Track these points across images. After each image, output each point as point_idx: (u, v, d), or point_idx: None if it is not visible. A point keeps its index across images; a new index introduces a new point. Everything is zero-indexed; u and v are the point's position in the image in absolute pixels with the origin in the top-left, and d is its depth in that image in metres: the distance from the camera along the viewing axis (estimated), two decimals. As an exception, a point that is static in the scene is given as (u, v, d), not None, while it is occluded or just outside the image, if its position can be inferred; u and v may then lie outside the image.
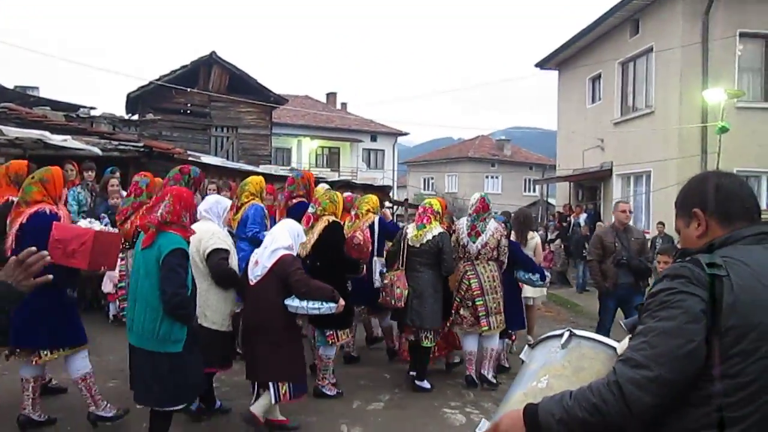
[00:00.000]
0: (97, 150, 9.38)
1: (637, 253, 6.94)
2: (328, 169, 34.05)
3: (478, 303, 5.93)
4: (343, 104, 43.42)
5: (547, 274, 7.18)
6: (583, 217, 16.10)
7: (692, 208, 1.77)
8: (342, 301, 4.51)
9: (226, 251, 4.48)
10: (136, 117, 20.06)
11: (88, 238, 4.03)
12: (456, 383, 6.17)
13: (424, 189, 43.21)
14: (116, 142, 10.39)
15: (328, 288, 4.46)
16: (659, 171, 14.19)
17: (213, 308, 4.48)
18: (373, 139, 39.82)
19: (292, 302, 4.39)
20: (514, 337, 6.98)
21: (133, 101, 21.11)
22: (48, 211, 4.23)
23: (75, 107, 16.53)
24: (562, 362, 1.95)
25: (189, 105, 21.04)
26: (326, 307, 4.43)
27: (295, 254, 4.61)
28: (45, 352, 4.29)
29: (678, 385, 1.53)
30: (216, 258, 4.39)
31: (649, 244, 13.65)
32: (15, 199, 4.44)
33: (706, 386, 1.53)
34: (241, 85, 21.45)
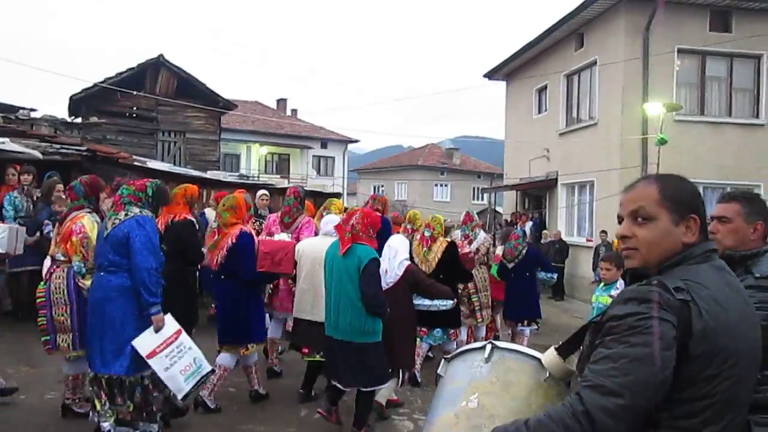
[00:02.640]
0: (37, 153, 9.08)
1: None
2: (278, 176, 33.74)
3: (473, 299, 7.20)
4: (294, 111, 43.20)
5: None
6: (528, 225, 16.44)
7: (691, 212, 1.68)
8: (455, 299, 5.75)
9: None
10: (79, 120, 19.52)
11: (290, 249, 5.30)
12: (404, 390, 6.20)
13: (374, 196, 43.29)
14: (58, 146, 10.08)
15: (449, 289, 5.64)
16: (602, 180, 14.60)
17: (322, 306, 5.05)
18: (324, 146, 39.71)
19: (423, 301, 5.49)
20: (538, 326, 8.18)
21: (77, 103, 20.52)
22: (247, 231, 5.23)
23: (14, 108, 15.95)
24: (490, 378, 1.87)
25: (135, 108, 20.59)
26: (450, 304, 5.64)
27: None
28: (252, 345, 5.31)
29: (646, 411, 1.50)
30: None
31: (592, 252, 14.11)
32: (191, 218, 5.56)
33: (671, 408, 1.54)
34: (189, 89, 21.11)
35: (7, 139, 9.09)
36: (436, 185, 43.80)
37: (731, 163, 13.91)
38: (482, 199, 40.47)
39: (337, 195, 19.15)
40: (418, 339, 6.22)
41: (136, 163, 11.52)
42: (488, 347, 1.95)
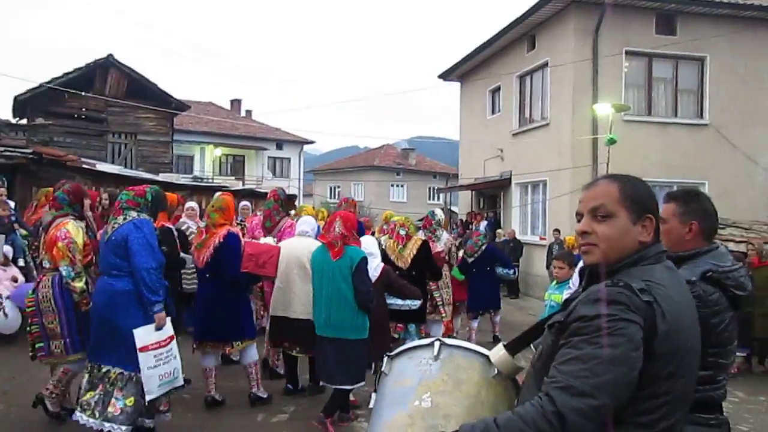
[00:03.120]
0: (-21, 156, 8.80)
1: None
2: (233, 178, 33.36)
3: (435, 295, 7.49)
4: (248, 112, 42.75)
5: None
6: (483, 224, 16.62)
7: (647, 212, 1.73)
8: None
9: None
10: (24, 121, 18.92)
11: (275, 253, 5.47)
12: (362, 391, 6.18)
13: (331, 198, 43.19)
14: (1, 148, 9.77)
15: (418, 290, 5.98)
16: (554, 180, 14.86)
17: (304, 303, 5.41)
18: (279, 147, 39.43)
19: (396, 301, 5.78)
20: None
21: (22, 104, 19.85)
22: (235, 232, 5.39)
23: (-45, 110, 15.39)
24: (441, 376, 1.85)
25: (84, 110, 20.02)
26: (418, 303, 6.02)
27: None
28: (237, 343, 5.41)
29: (614, 410, 1.53)
30: None
31: (546, 250, 14.35)
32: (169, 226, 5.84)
33: (634, 405, 1.57)
34: (140, 89, 20.65)
35: (-54, 142, 8.77)
36: (392, 186, 43.89)
37: (677, 162, 14.33)
38: (438, 199, 40.72)
39: (293, 197, 19.04)
40: (396, 336, 6.67)
41: (84, 166, 11.24)
42: (437, 344, 1.93)
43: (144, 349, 4.33)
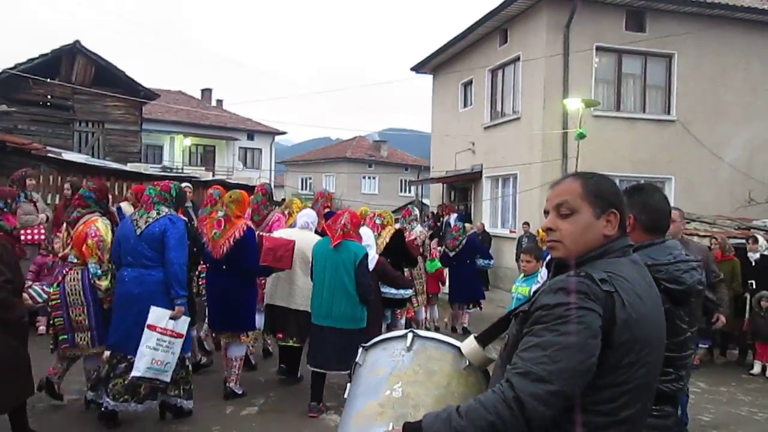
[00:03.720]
0: (-60, 143, 8.55)
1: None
2: (203, 168, 32.97)
3: None
4: (219, 101, 42.29)
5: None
6: (453, 216, 16.69)
7: (611, 207, 1.77)
8: None
9: None
10: (-13, 108, 18.41)
11: (291, 246, 5.51)
12: (330, 384, 6.20)
13: (302, 189, 43.01)
14: (-37, 136, 9.52)
15: (410, 280, 6.73)
16: (525, 173, 14.99)
17: (305, 296, 5.63)
18: (250, 137, 39.09)
19: (390, 290, 6.17)
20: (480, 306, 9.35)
21: (-17, 91, 19.37)
22: (251, 226, 5.61)
23: None
24: (413, 367, 1.89)
25: (49, 97, 19.55)
26: (410, 292, 6.69)
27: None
28: (249, 333, 5.61)
29: (573, 396, 1.56)
30: None
31: (515, 243, 14.48)
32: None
33: (593, 393, 1.60)
34: (108, 77, 20.24)
35: None
36: (363, 177, 43.83)
37: (645, 157, 14.56)
38: (410, 191, 40.82)
39: (252, 188, 18.85)
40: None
41: (50, 155, 10.99)
42: (410, 336, 1.97)
43: (152, 327, 4.48)
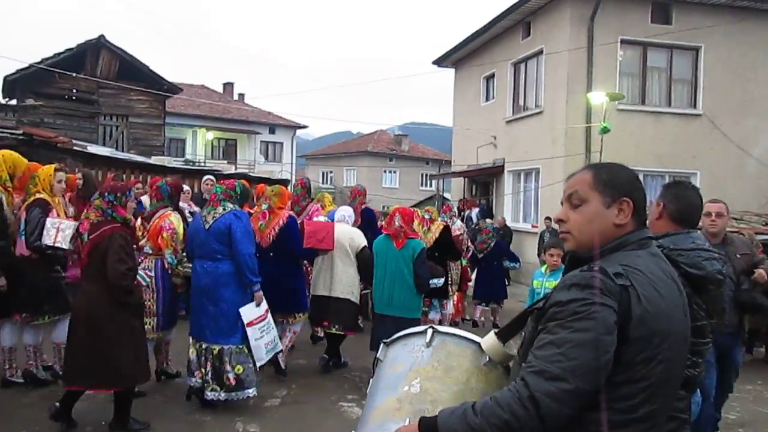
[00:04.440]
0: (-31, 137, 8.70)
1: (745, 277, 4.68)
2: (225, 161, 33.17)
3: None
4: (241, 95, 42.44)
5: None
6: (475, 211, 16.63)
7: (623, 195, 1.73)
8: None
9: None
10: (14, 102, 18.72)
11: (330, 228, 6.07)
12: (353, 377, 6.23)
13: (323, 183, 43.12)
14: (-8, 129, 9.67)
15: (441, 269, 7.02)
16: (547, 168, 14.87)
17: (344, 284, 6.14)
18: (272, 131, 39.23)
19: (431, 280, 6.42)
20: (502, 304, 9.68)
21: (11, 85, 19.65)
22: (294, 215, 6.13)
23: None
24: (431, 362, 1.88)
25: (75, 91, 19.83)
26: (441, 281, 7.02)
27: None
28: (299, 314, 6.08)
29: (590, 394, 1.54)
30: (366, 252, 6.18)
31: (537, 238, 14.38)
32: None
33: (610, 390, 1.57)
34: (132, 71, 20.47)
35: (-65, 122, 8.66)
36: (384, 171, 43.82)
37: (670, 151, 14.38)
38: (430, 185, 40.75)
39: (286, 181, 18.99)
40: (426, 309, 7.33)
41: (75, 148, 11.14)
42: (429, 331, 1.96)
43: (250, 324, 4.98)
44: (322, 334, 7.01)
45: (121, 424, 4.44)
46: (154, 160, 13.99)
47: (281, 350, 5.47)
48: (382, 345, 2.10)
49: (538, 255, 13.75)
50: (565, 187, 1.85)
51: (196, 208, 7.07)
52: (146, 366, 4.57)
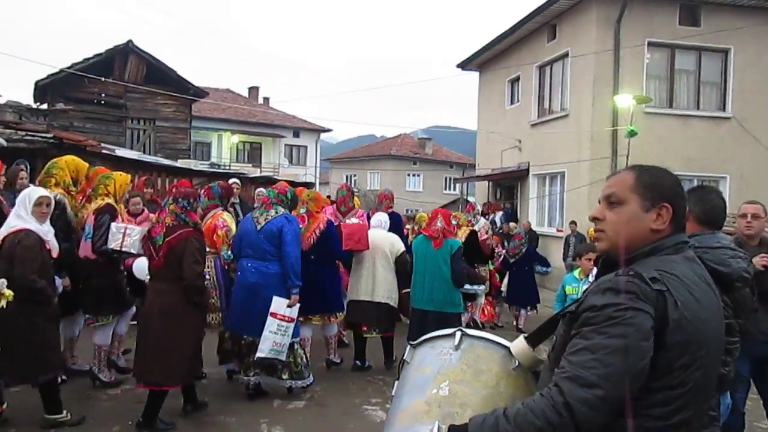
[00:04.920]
0: (1, 140, 8.87)
1: None
2: (250, 165, 33.49)
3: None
4: (266, 99, 42.79)
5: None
6: (499, 215, 16.52)
7: (663, 201, 1.70)
8: None
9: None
10: (45, 106, 19.05)
11: (365, 229, 6.38)
12: (376, 380, 6.22)
13: (347, 186, 43.12)
14: (23, 133, 9.84)
15: (483, 276, 7.80)
16: (572, 172, 14.74)
17: (385, 289, 6.39)
18: (296, 135, 39.45)
19: (469, 286, 7.11)
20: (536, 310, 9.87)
21: (42, 89, 20.01)
22: (332, 219, 6.40)
23: (-24, 94, 15.53)
24: (460, 366, 1.87)
25: (103, 95, 20.16)
26: (483, 288, 7.92)
27: None
28: (339, 313, 6.34)
29: (624, 401, 1.51)
30: (405, 256, 6.52)
31: (562, 242, 14.25)
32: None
33: (646, 397, 1.55)
34: (159, 76, 20.74)
35: (-30, 126, 8.85)
36: (408, 175, 43.77)
37: (698, 155, 14.16)
38: (454, 189, 40.62)
39: (310, 185, 19.07)
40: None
41: (104, 151, 11.30)
42: (458, 334, 1.94)
43: (274, 315, 5.11)
44: (347, 340, 7.19)
45: (147, 423, 4.53)
46: (180, 163, 14.15)
47: (282, 361, 5.28)
48: (408, 347, 2.09)
49: (564, 259, 13.64)
50: (604, 185, 1.83)
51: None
52: (200, 363, 4.94)
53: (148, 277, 4.84)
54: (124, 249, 5.16)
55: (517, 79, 18.21)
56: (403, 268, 6.48)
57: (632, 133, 12.42)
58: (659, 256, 1.66)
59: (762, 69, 14.54)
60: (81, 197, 5.52)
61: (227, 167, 27.35)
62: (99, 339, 5.43)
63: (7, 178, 7.33)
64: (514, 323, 9.71)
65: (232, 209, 7.72)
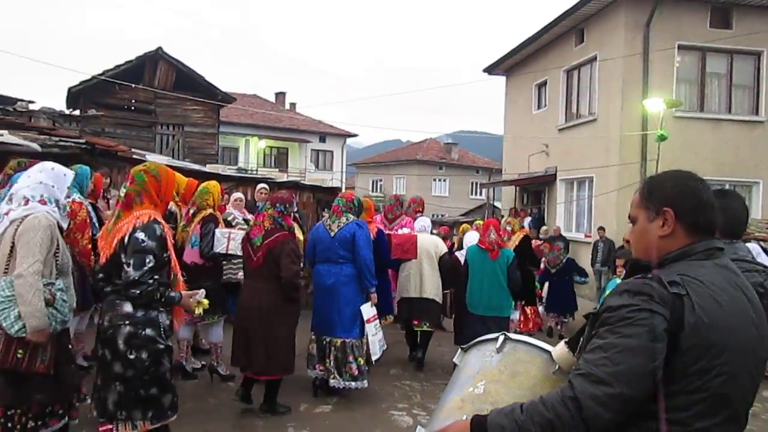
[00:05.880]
0: (36, 146, 9.03)
1: None
2: (276, 170, 33.70)
3: None
4: (292, 104, 43.11)
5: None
6: (526, 220, 16.40)
7: (663, 206, 1.72)
8: None
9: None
10: (77, 112, 19.42)
11: (414, 240, 6.88)
12: (403, 385, 6.21)
13: (373, 191, 43.27)
14: (56, 138, 10.00)
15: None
16: (601, 177, 14.59)
17: (432, 285, 6.87)
18: (322, 140, 39.67)
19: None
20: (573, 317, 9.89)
21: (75, 96, 20.41)
22: (382, 229, 6.83)
23: (12, 100, 15.87)
24: (498, 367, 1.94)
25: (134, 101, 20.49)
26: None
27: None
28: (389, 316, 6.82)
29: (636, 400, 1.53)
30: (447, 257, 7.11)
31: (591, 248, 14.08)
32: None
33: (664, 401, 1.55)
34: (187, 82, 21.02)
35: (5, 131, 9.04)
36: (434, 180, 43.70)
37: (730, 159, 13.93)
38: (481, 194, 40.44)
39: (336, 189, 19.11)
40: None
41: (134, 156, 11.45)
42: (500, 338, 2.03)
43: (369, 320, 5.58)
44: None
45: (268, 406, 5.07)
46: (208, 168, 14.27)
47: (385, 347, 5.94)
48: (459, 351, 2.19)
49: (592, 265, 13.48)
50: None
51: (250, 216, 7.18)
52: (294, 357, 5.16)
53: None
54: (230, 252, 5.67)
55: (545, 83, 18.09)
56: (444, 268, 6.97)
57: (662, 138, 12.24)
58: (687, 261, 1.67)
59: (796, 72, 14.24)
60: (185, 208, 6.03)
61: (254, 172, 27.56)
62: (213, 336, 5.91)
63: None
64: (552, 329, 9.76)
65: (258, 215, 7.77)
